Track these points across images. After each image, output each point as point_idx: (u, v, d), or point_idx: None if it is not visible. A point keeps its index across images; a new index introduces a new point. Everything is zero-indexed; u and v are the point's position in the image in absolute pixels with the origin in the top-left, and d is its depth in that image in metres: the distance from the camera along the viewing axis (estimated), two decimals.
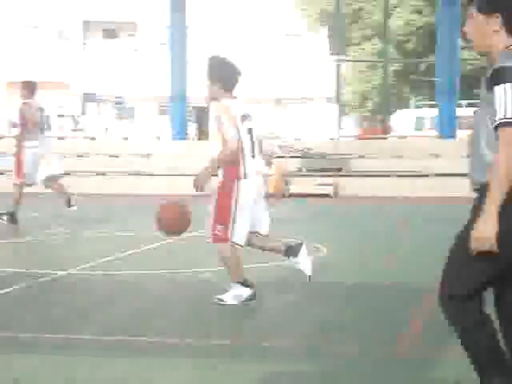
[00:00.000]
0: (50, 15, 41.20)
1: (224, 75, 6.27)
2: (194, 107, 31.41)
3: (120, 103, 37.94)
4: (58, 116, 40.75)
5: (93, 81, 37.16)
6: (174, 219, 6.35)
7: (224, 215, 6.20)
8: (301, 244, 6.54)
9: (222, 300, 6.38)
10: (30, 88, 11.73)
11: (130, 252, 9.15)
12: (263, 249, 6.65)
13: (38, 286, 7.32)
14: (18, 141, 11.52)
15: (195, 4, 23.21)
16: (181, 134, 20.12)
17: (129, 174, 17.79)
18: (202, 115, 30.07)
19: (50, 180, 11.62)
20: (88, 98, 26.37)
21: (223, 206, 6.20)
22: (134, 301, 6.73)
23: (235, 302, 6.34)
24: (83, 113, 27.94)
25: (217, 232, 6.23)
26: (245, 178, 6.23)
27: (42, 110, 11.75)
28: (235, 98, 6.33)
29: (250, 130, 6.33)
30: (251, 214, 6.31)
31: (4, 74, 39.84)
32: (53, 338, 5.51)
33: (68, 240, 10.40)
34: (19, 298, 6.88)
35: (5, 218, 11.29)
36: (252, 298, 6.36)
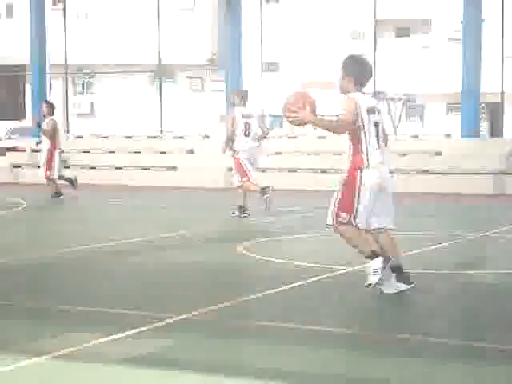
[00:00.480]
0: (344, 16, 42.06)
1: (357, 72, 6.74)
2: (487, 104, 30.50)
3: (410, 101, 37.82)
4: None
5: (384, 79, 37.46)
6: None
7: (348, 203, 6.57)
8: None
9: (370, 284, 6.60)
10: (240, 96, 12.83)
11: (412, 252, 9.10)
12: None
13: (324, 281, 7.53)
14: (226, 145, 12.72)
15: None
16: (472, 131, 19.61)
17: (417, 173, 17.67)
18: (495, 112, 29.11)
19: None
20: (377, 96, 26.67)
21: (347, 194, 6.59)
22: (418, 300, 6.72)
23: (376, 279, 6.54)
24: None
25: (341, 219, 6.61)
26: (367, 168, 6.57)
27: (249, 116, 12.63)
28: (364, 93, 6.75)
29: (376, 123, 6.66)
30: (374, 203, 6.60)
31: (301, 74, 41.29)
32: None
33: None
34: (307, 292, 7.13)
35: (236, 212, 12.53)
36: (388, 261, 6.55)
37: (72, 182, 16.13)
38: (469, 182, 16.81)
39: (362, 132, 6.59)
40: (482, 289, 7.27)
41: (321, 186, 17.64)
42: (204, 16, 41.57)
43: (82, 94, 43.70)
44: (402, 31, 43.99)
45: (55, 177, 15.76)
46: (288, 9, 42.11)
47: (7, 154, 23.06)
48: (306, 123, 6.60)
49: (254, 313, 6.39)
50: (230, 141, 12.70)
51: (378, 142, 6.69)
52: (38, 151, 21.62)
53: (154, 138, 22.23)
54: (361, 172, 6.59)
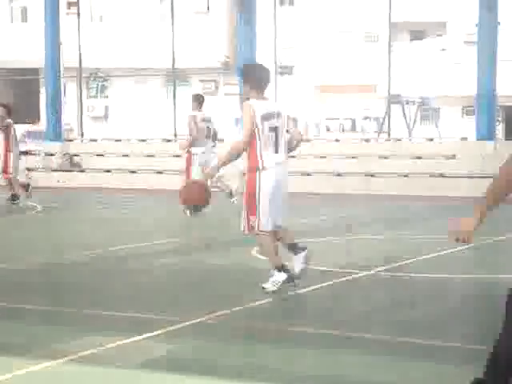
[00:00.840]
0: (358, 19, 41.97)
1: (255, 79, 7.07)
2: (501, 106, 30.34)
3: (424, 104, 37.68)
4: (363, 118, 41.36)
5: (398, 82, 37.37)
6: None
7: (252, 205, 6.95)
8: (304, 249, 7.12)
9: (264, 288, 6.95)
10: (198, 101, 13.43)
11: (429, 255, 9.02)
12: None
13: (341, 285, 7.47)
14: (186, 147, 13.33)
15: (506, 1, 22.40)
16: (487, 134, 19.49)
17: (430, 176, 17.59)
18: (510, 115, 28.93)
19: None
20: (393, 99, 26.50)
21: (250, 197, 6.99)
22: (435, 304, 6.64)
23: (274, 288, 6.91)
24: (388, 114, 28.21)
25: (251, 223, 6.98)
26: (263, 170, 6.94)
27: (207, 120, 13.25)
28: (264, 98, 7.07)
29: (273, 128, 6.97)
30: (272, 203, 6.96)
31: (315, 77, 41.26)
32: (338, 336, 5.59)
33: (368, 241, 10.51)
34: (324, 296, 7.07)
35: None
36: (289, 281, 6.93)
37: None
38: (485, 184, 16.68)
39: (257, 136, 6.93)
40: None
41: (334, 190, 17.61)
42: (218, 19, 41.60)
43: (96, 97, 43.79)
44: (417, 34, 43.87)
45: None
46: (302, 11, 42.08)
47: (21, 157, 23.11)
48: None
49: (270, 316, 6.36)
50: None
51: (276, 145, 7.01)
52: (52, 155, 21.70)
53: (168, 141, 22.23)
54: (259, 174, 6.95)
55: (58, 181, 20.39)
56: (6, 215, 13.70)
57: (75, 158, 21.45)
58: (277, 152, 7.02)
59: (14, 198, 14.82)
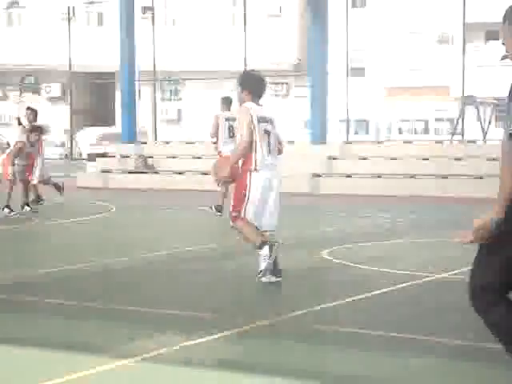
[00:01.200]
0: (430, 20, 41.50)
1: (253, 86, 7.66)
2: None
3: (500, 105, 37.13)
4: (436, 120, 40.86)
5: (472, 83, 36.88)
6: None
7: (238, 200, 7.50)
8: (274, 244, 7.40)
9: (260, 271, 7.39)
10: (226, 103, 13.84)
11: None
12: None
13: (412, 288, 7.44)
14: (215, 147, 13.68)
15: None
16: None
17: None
18: None
19: None
20: (467, 101, 26.16)
21: (238, 192, 7.57)
22: None
23: (265, 265, 7.32)
24: (462, 116, 27.84)
25: (234, 214, 7.51)
26: (256, 171, 7.45)
27: (231, 120, 13.24)
28: (259, 104, 7.62)
29: (266, 131, 7.50)
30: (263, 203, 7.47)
31: (386, 79, 40.96)
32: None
33: (442, 243, 10.42)
34: (393, 299, 7.06)
35: None
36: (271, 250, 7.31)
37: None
38: None
39: (254, 136, 7.43)
40: None
41: (408, 191, 17.49)
42: (290, 22, 41.65)
43: (169, 100, 44.30)
44: (492, 34, 43.16)
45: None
46: (374, 13, 41.81)
47: (97, 159, 23.60)
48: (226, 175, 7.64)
49: (338, 319, 6.36)
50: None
51: (268, 148, 7.52)
52: (127, 157, 22.07)
53: None
54: (250, 174, 7.43)
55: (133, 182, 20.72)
56: (83, 215, 13.99)
57: (149, 159, 21.77)
58: (269, 154, 7.54)
59: (39, 199, 15.08)
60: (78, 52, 32.15)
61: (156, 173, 21.42)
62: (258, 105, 7.67)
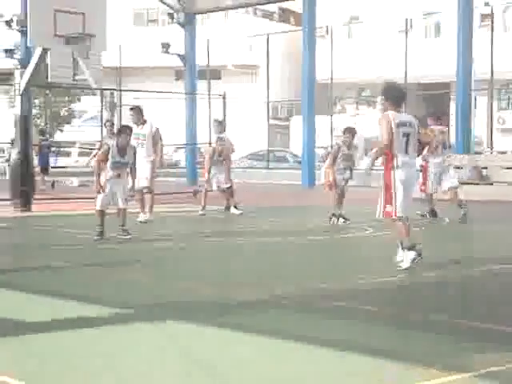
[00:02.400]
0: None
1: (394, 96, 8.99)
2: None
3: None
4: None
5: None
6: None
7: (389, 197, 8.77)
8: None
9: (400, 266, 8.68)
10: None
11: None
12: None
13: None
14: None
15: None
16: None
17: None
18: None
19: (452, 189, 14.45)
20: None
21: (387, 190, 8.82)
22: None
23: (408, 265, 8.61)
24: None
25: (387, 210, 8.80)
26: (396, 168, 8.71)
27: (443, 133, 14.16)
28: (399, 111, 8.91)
29: (405, 134, 8.75)
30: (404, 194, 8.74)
31: None
32: None
33: None
34: None
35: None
36: (417, 257, 8.66)
37: None
38: None
39: (393, 139, 8.69)
40: None
41: None
42: None
43: (506, 109, 42.90)
44: None
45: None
46: None
47: None
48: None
49: None
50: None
51: (406, 148, 8.76)
52: (460, 167, 21.64)
53: None
54: (392, 172, 8.70)
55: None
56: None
57: (483, 170, 21.18)
58: (407, 154, 8.77)
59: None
60: (413, 64, 32.28)
61: (490, 184, 20.77)
62: (398, 112, 8.92)
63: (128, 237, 11.64)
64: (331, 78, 33.61)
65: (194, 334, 6.09)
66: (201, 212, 15.96)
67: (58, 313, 6.76)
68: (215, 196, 16.90)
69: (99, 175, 11.70)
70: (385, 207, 8.78)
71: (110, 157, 11.71)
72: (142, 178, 14.04)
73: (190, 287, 8.05)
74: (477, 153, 23.18)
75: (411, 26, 39.33)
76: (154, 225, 14.15)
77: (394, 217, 8.74)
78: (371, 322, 6.44)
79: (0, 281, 8.46)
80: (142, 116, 14.50)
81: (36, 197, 17.50)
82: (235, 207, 16.27)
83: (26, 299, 7.48)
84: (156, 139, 14.45)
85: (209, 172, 16.32)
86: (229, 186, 16.33)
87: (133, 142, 13.55)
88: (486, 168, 21.33)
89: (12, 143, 20.63)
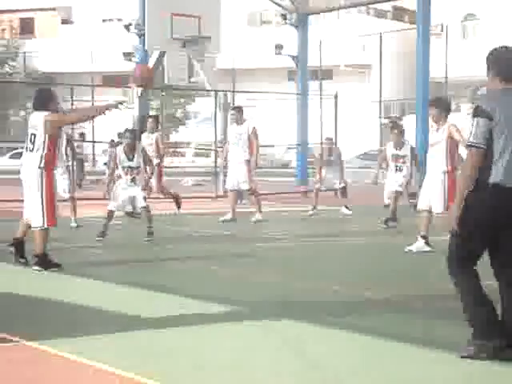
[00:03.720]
0: None
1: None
2: None
3: None
4: None
5: None
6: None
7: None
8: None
9: (411, 250, 10.44)
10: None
11: None
12: None
13: None
14: None
15: None
16: None
17: None
18: None
19: None
20: None
21: None
22: None
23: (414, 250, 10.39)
24: None
25: None
26: None
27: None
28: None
29: None
30: None
31: None
32: None
33: None
34: None
35: None
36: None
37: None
38: None
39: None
40: None
41: None
42: None
43: None
44: None
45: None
46: None
47: None
48: None
49: None
50: None
51: None
52: None
53: None
54: None
55: None
56: None
57: None
58: None
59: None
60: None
61: None
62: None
63: (151, 239, 11.71)
64: (446, 77, 33.07)
65: (320, 335, 6.18)
66: (311, 212, 16.05)
67: (186, 310, 6.96)
68: (327, 196, 16.97)
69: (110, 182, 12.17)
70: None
71: (118, 163, 11.96)
72: (242, 182, 14.40)
73: (317, 287, 8.14)
74: None
75: None
76: (268, 224, 14.32)
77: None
78: None
79: (130, 277, 8.77)
80: (242, 116, 14.84)
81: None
82: (346, 207, 16.29)
83: (151, 296, 7.71)
84: (251, 139, 14.69)
85: (320, 172, 16.43)
86: (342, 185, 16.37)
87: (232, 140, 14.17)
88: None
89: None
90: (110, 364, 5.20)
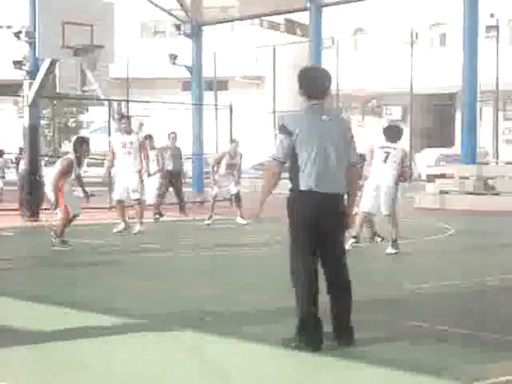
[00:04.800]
0: None
1: None
2: None
3: None
4: None
5: None
6: None
7: None
8: None
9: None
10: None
11: None
12: None
13: None
14: None
15: None
16: None
17: None
18: None
19: None
20: None
21: None
22: None
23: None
24: None
25: None
26: None
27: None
28: None
29: None
30: None
31: None
32: None
33: None
34: None
35: None
36: None
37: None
38: None
39: None
40: None
41: None
42: None
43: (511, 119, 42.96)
44: None
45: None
46: None
47: (436, 180, 23.52)
48: None
49: None
50: None
51: None
52: (466, 178, 21.69)
53: None
54: None
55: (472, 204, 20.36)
56: (421, 236, 13.97)
57: (489, 181, 21.24)
58: None
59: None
60: (418, 75, 32.29)
61: (496, 194, 20.83)
62: None
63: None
64: (337, 89, 33.72)
65: (231, 346, 6.16)
66: (207, 221, 16.12)
67: (97, 323, 6.83)
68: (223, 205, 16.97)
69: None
70: None
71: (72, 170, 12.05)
72: (132, 191, 14.31)
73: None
74: (482, 163, 23.23)
75: (417, 37, 39.45)
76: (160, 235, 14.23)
77: None
78: None
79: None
80: (130, 125, 14.94)
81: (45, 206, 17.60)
82: (241, 217, 16.38)
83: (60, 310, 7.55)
84: (142, 148, 14.69)
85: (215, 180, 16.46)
86: (236, 191, 16.41)
87: (119, 150, 14.11)
88: (492, 178, 21.39)
89: (20, 153, 20.80)
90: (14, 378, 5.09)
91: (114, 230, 14.35)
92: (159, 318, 6.96)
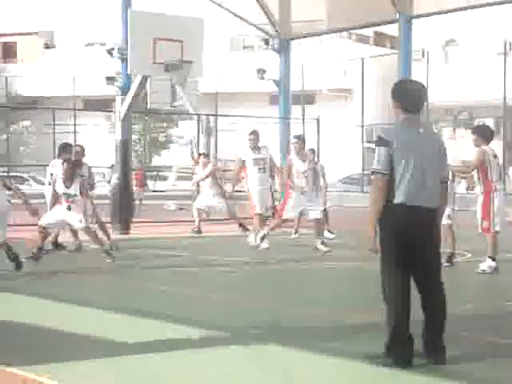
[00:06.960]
0: None
1: None
2: None
3: None
4: None
5: None
6: None
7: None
8: None
9: (483, 271, 10.75)
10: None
11: None
12: None
13: None
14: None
15: None
16: None
17: None
18: None
19: None
20: None
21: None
22: None
23: (489, 270, 10.68)
24: None
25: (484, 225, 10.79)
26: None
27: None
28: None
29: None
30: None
31: None
32: None
33: None
34: None
35: None
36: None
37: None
38: None
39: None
40: None
41: None
42: None
43: None
44: None
45: None
46: None
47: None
48: None
49: None
50: None
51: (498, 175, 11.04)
52: None
53: None
54: (492, 194, 10.96)
55: None
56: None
57: None
58: (499, 179, 11.14)
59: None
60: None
61: None
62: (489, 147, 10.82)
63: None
64: (427, 102, 33.26)
65: (308, 360, 6.12)
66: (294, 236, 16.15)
67: (173, 335, 6.89)
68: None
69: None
70: (482, 224, 10.82)
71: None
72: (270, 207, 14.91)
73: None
74: None
75: (510, 48, 38.57)
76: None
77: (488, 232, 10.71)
78: None
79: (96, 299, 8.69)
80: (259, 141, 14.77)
81: (135, 220, 17.91)
82: (329, 231, 16.25)
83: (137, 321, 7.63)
84: (274, 164, 15.08)
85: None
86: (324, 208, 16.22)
87: (252, 167, 14.39)
88: None
89: (112, 168, 21.18)
90: None
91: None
92: (238, 330, 6.97)
